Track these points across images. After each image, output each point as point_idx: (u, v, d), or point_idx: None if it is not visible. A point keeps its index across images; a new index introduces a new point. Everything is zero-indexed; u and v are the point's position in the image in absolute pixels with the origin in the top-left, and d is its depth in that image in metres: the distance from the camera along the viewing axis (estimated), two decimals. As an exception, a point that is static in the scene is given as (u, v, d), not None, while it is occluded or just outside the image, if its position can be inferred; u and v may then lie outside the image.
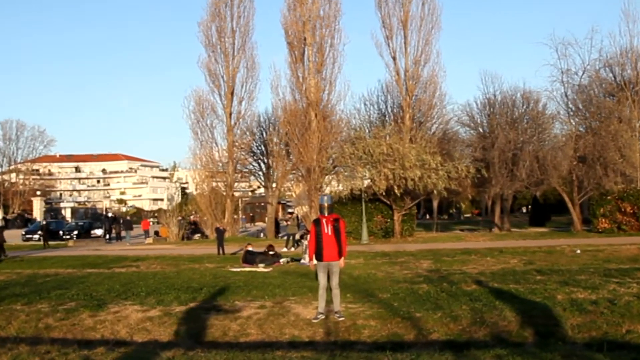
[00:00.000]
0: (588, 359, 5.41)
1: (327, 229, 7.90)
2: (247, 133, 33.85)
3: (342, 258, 8.02)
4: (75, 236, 36.66)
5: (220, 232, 21.65)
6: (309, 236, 9.98)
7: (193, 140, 33.24)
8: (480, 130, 31.81)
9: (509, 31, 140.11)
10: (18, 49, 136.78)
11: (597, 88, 28.55)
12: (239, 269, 14.98)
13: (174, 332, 7.66)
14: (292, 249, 22.40)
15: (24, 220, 60.38)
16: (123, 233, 33.13)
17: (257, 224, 55.78)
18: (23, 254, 22.81)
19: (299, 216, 31.60)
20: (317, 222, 8.04)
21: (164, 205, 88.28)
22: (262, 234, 33.84)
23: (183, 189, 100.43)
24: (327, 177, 30.83)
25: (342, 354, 5.84)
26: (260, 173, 35.47)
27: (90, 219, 53.38)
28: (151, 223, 40.11)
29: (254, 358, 5.72)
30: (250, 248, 17.31)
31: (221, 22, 32.40)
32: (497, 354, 5.58)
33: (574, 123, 29.10)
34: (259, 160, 35.06)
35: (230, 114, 32.53)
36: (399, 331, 7.13)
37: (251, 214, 60.00)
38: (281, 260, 16.63)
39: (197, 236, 33.10)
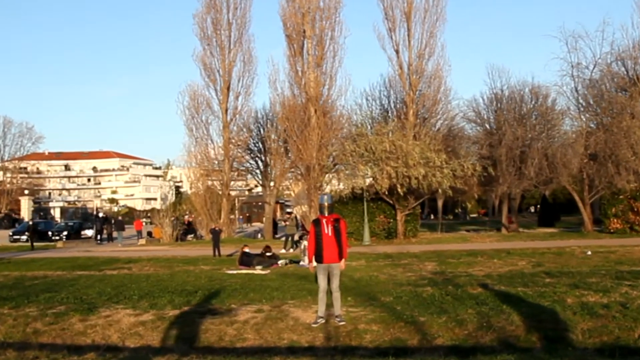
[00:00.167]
0: (599, 365, 5.40)
1: (327, 230, 7.90)
2: (244, 129, 33.87)
3: (343, 260, 8.02)
4: (64, 237, 36.67)
5: (216, 233, 21.66)
6: (308, 237, 9.98)
7: (187, 137, 33.33)
8: (487, 126, 31.77)
9: (516, 23, 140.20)
10: (4, 43, 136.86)
11: (609, 82, 28.51)
12: (235, 271, 14.97)
13: (167, 337, 7.66)
14: (291, 250, 22.42)
15: (12, 221, 60.41)
16: (115, 234, 33.11)
17: (254, 224, 55.83)
18: (10, 256, 22.81)
19: (298, 216, 31.59)
20: (316, 223, 8.04)
21: (157, 204, 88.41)
22: (259, 235, 33.86)
23: (177, 187, 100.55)
24: (327, 175, 30.84)
25: (343, 360, 5.83)
26: (258, 171, 35.51)
27: (80, 219, 53.43)
28: (144, 223, 40.11)
29: (251, 364, 5.71)
30: (247, 249, 17.31)
31: (217, 14, 32.39)
32: (504, 359, 5.56)
33: (584, 119, 29.06)
34: (257, 158, 35.10)
35: (227, 110, 32.51)
36: (402, 336, 7.13)
37: (248, 214, 60.03)
38: (279, 262, 16.64)
39: (190, 237, 33.08)
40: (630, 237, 22.05)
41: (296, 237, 23.45)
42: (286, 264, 16.66)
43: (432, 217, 57.79)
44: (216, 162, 33.66)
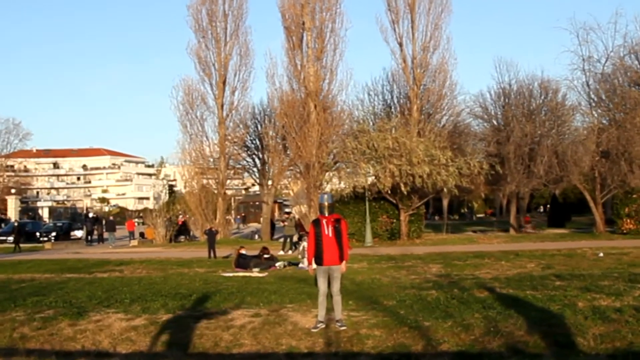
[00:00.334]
0: (612, 371, 5.41)
1: (328, 231, 7.90)
2: (241, 126, 33.87)
3: (344, 262, 8.02)
4: (53, 238, 36.69)
5: (211, 234, 21.69)
6: (307, 238, 9.96)
7: (181, 133, 33.33)
8: (495, 122, 31.78)
9: (525, 15, 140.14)
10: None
11: (622, 77, 28.48)
12: (231, 274, 14.99)
13: (160, 343, 7.65)
14: (290, 252, 22.44)
15: (-2, 221, 60.36)
16: (105, 235, 33.15)
17: (249, 224, 55.83)
18: (-4, 258, 22.82)
19: (297, 216, 31.59)
20: (316, 223, 8.03)
21: (150, 204, 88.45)
22: (256, 236, 33.88)
23: (171, 186, 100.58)
24: (327, 173, 30.86)
25: (344, 367, 5.83)
26: (255, 169, 35.50)
27: (69, 220, 53.38)
28: (136, 224, 40.12)
29: (247, 371, 5.71)
30: (243, 251, 17.33)
31: (212, 5, 32.40)
32: (512, 366, 5.57)
33: (596, 115, 29.06)
34: (254, 156, 35.08)
35: (222, 105, 32.52)
36: (405, 341, 7.13)
37: (243, 214, 60.02)
38: (277, 265, 16.65)
39: (181, 238, 33.03)
40: (643, 238, 22.06)
41: (295, 238, 23.48)
42: (284, 266, 16.67)
43: (437, 217, 57.86)
44: (211, 159, 33.68)
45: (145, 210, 68.02)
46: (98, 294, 11.30)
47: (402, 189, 23.73)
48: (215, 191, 33.04)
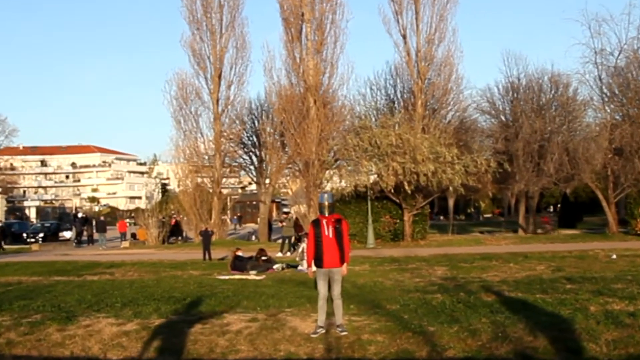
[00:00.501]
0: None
1: (328, 231, 7.90)
2: (237, 122, 33.83)
3: (345, 264, 8.03)
4: (40, 239, 36.65)
5: (206, 235, 21.71)
6: (306, 239, 9.97)
7: (175, 130, 33.31)
8: (503, 118, 31.77)
9: (534, 6, 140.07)
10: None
11: (636, 70, 28.45)
12: (227, 277, 15.02)
13: (153, 349, 7.66)
14: (288, 253, 22.45)
15: (-17, 222, 60.42)
16: (96, 236, 33.16)
17: (245, 225, 55.84)
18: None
19: (295, 217, 31.61)
20: (316, 224, 8.04)
21: (142, 204, 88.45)
22: (253, 237, 33.89)
23: (164, 185, 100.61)
24: (327, 172, 30.84)
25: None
26: (252, 167, 35.48)
27: (58, 220, 53.42)
28: (128, 224, 40.13)
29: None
30: (239, 253, 17.34)
31: (207, -5, 32.33)
32: (521, 373, 5.57)
33: (609, 110, 29.05)
34: (250, 153, 35.06)
35: (218, 100, 32.49)
36: (409, 347, 7.13)
37: (239, 214, 60.01)
38: (275, 267, 16.68)
39: (172, 239, 32.98)
40: (658, 240, 22.08)
41: (294, 239, 23.49)
42: (283, 268, 16.71)
43: (442, 217, 57.87)
44: (206, 157, 33.66)
45: (137, 210, 68.04)
46: (88, 298, 11.30)
47: (406, 187, 23.73)
48: (211, 190, 33.04)
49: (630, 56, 28.19)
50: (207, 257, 20.73)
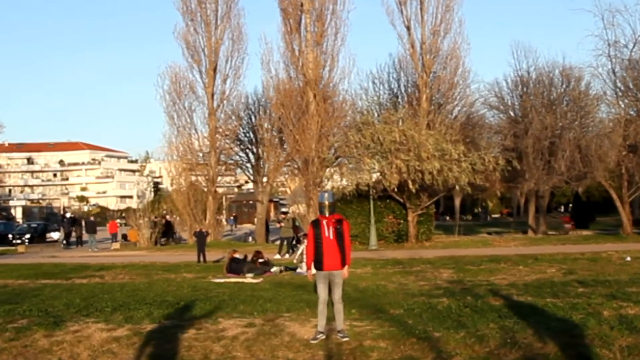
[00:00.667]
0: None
1: (328, 232, 7.89)
2: (233, 117, 33.86)
3: (346, 267, 8.02)
4: (27, 240, 36.73)
5: (201, 236, 21.70)
6: (306, 241, 9.96)
7: (168, 126, 33.31)
8: (511, 114, 31.80)
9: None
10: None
11: (651, 63, 28.49)
12: (222, 280, 15.02)
13: (144, 355, 7.66)
14: (286, 255, 22.46)
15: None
16: (85, 237, 33.15)
17: (241, 225, 55.85)
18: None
19: (294, 217, 31.64)
20: (316, 224, 8.03)
21: (133, 203, 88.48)
22: (250, 238, 33.92)
23: (156, 184, 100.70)
24: (328, 170, 30.85)
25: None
26: (249, 165, 35.54)
27: (45, 220, 53.43)
28: (119, 225, 40.13)
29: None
30: (236, 255, 17.33)
31: (202, -15, 32.31)
32: (531, 381, 5.57)
33: (623, 105, 29.06)
34: (247, 150, 35.11)
35: (213, 95, 32.49)
36: (413, 354, 7.14)
37: (235, 214, 60.05)
38: (273, 270, 16.69)
39: (163, 240, 32.94)
40: (675, 241, 22.09)
41: (292, 241, 23.48)
42: (281, 271, 16.72)
43: (448, 217, 57.92)
44: (201, 154, 33.69)
45: (128, 210, 68.00)
46: (76, 302, 11.31)
47: (410, 186, 23.74)
48: (205, 189, 33.04)
49: (646, 49, 28.18)
50: (201, 259, 20.72)
